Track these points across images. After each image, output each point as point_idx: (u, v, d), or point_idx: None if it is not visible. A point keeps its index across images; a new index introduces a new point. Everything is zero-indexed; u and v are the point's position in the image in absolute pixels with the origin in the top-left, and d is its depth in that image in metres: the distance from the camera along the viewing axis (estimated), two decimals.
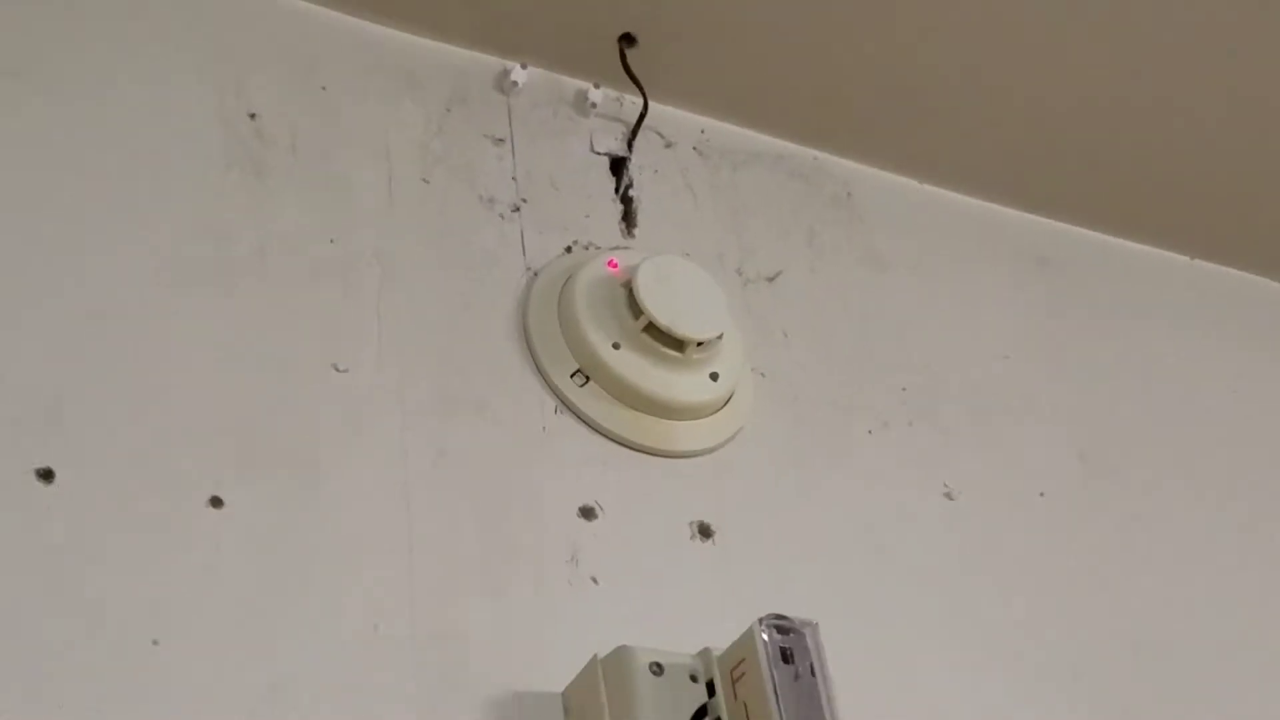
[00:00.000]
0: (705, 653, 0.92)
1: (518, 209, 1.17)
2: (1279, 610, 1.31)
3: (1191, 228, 1.47)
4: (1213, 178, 1.42)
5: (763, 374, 1.18)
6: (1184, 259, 1.51)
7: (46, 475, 0.88)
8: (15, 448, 0.89)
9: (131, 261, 1.00)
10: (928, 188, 1.39)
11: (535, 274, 1.14)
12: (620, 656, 0.91)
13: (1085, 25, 1.27)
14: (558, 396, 1.08)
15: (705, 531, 1.07)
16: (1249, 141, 1.38)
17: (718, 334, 1.10)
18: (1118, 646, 1.18)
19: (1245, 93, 1.33)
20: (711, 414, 1.12)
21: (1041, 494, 1.24)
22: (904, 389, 1.24)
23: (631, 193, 1.22)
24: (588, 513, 1.04)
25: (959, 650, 1.12)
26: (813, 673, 0.88)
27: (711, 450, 1.11)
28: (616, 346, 1.09)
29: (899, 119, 1.34)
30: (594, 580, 1.01)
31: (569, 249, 1.17)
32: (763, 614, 0.89)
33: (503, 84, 1.22)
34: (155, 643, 0.85)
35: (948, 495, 1.19)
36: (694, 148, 1.28)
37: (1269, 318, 1.54)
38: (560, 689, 0.94)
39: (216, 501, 0.92)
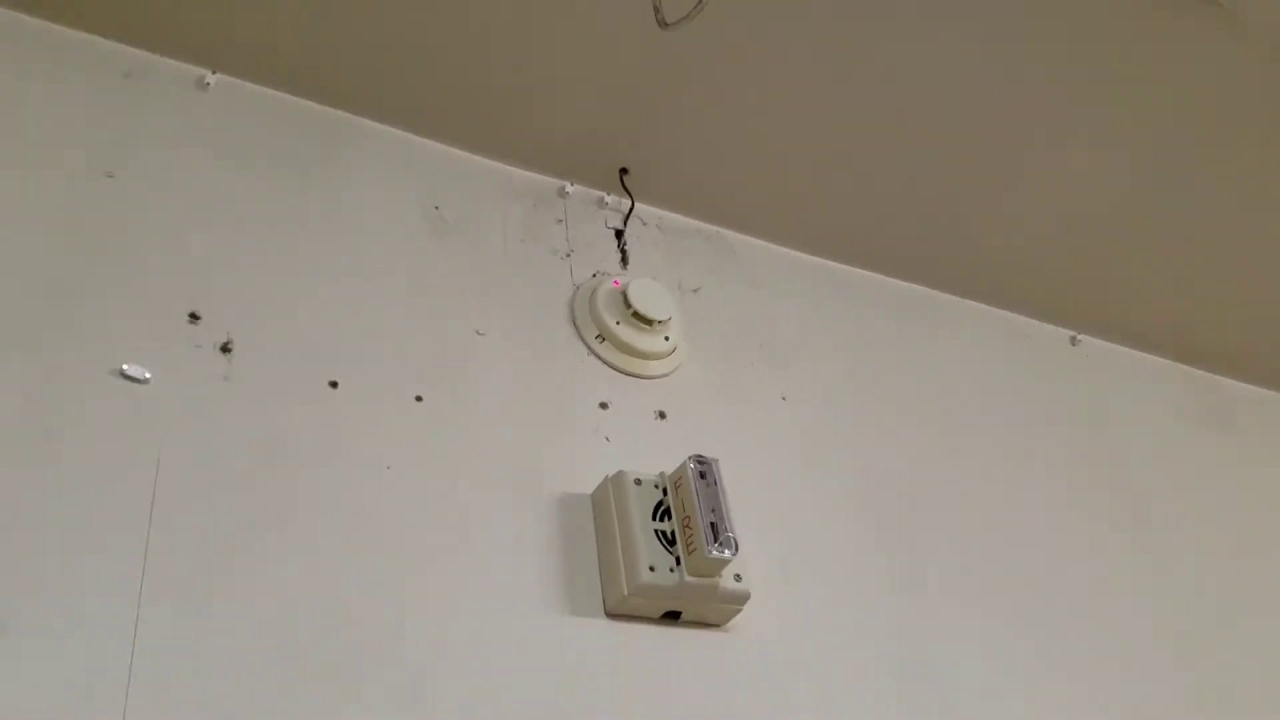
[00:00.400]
0: (662, 475, 0.99)
1: (569, 255, 1.19)
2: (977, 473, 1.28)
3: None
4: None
5: (691, 338, 1.19)
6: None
7: (334, 385, 0.94)
8: (317, 368, 0.94)
9: (371, 283, 1.03)
10: (774, 247, 1.35)
11: (578, 287, 1.16)
12: (619, 476, 0.98)
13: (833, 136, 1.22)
14: (588, 347, 1.12)
15: (663, 415, 1.11)
16: (925, 189, 1.30)
17: (669, 317, 1.14)
18: (889, 488, 1.18)
19: (924, 155, 1.27)
20: (666, 357, 1.15)
21: (836, 402, 1.24)
22: (761, 345, 1.25)
23: (625, 248, 1.23)
24: (604, 405, 1.09)
25: (794, 481, 1.14)
26: (716, 484, 0.96)
27: (666, 375, 1.14)
28: (618, 323, 1.12)
29: (760, 211, 1.32)
30: (607, 439, 1.06)
31: (595, 275, 1.18)
32: (690, 455, 0.97)
33: (561, 193, 1.23)
34: (388, 467, 0.91)
35: (783, 399, 1.22)
36: (657, 226, 1.28)
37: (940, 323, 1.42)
38: (589, 493, 1.00)
39: (419, 398, 0.98)
